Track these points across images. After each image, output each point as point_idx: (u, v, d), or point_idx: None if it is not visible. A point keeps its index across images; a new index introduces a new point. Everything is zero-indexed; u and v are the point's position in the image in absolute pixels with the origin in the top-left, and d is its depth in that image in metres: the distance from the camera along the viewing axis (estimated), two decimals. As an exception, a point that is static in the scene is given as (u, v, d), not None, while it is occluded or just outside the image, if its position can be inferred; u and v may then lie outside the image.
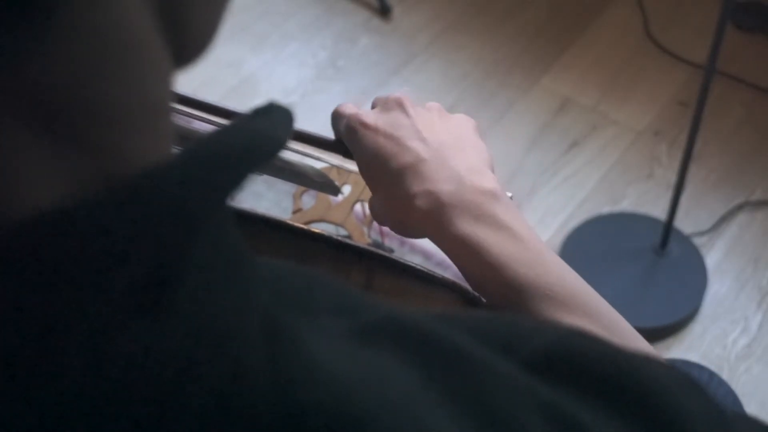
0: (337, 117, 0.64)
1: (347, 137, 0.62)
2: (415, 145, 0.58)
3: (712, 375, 0.99)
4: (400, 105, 0.61)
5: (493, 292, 0.56)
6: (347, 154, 0.67)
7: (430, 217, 0.56)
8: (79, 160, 0.23)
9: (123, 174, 0.24)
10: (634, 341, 0.54)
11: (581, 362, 0.30)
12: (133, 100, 0.24)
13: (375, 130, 0.59)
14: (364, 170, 0.61)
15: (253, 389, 0.24)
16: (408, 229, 0.59)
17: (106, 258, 0.22)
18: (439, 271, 0.60)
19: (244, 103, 1.92)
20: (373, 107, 0.64)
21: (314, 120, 1.87)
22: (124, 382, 0.22)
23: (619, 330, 0.54)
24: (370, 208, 0.62)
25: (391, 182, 0.58)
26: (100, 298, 0.22)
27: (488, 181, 0.57)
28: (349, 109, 0.63)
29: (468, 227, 0.55)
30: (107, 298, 0.22)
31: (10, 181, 0.22)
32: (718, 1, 1.22)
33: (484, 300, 0.59)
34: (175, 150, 0.26)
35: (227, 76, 1.98)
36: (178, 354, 0.23)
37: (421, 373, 0.27)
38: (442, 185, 0.56)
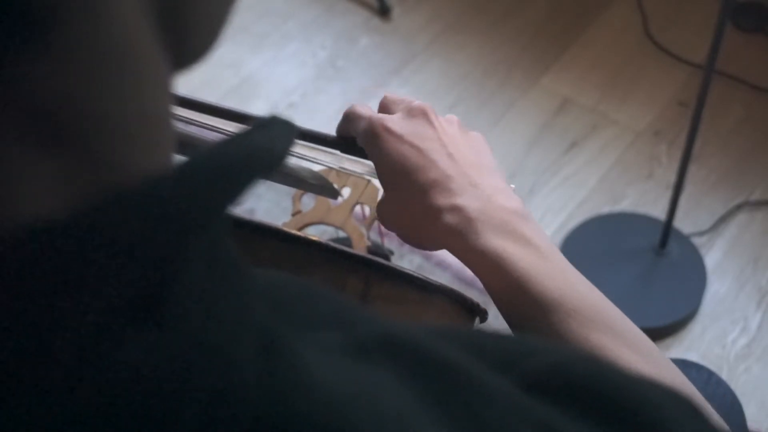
0: (353, 118, 0.63)
1: (367, 140, 0.61)
2: (441, 159, 0.58)
3: (711, 375, 0.98)
4: (424, 114, 0.61)
5: (516, 307, 0.55)
6: (347, 150, 0.67)
7: (456, 232, 0.56)
8: (78, 172, 0.23)
9: (121, 184, 0.24)
10: (657, 358, 0.53)
11: (578, 383, 0.30)
12: (132, 111, 0.24)
13: (400, 137, 0.59)
14: (383, 175, 0.60)
15: (246, 402, 0.24)
16: (424, 240, 0.59)
17: (100, 269, 0.22)
18: (438, 271, 0.60)
19: (244, 103, 1.93)
20: (383, 107, 0.64)
21: (314, 120, 1.87)
22: (115, 392, 0.22)
23: (642, 347, 0.53)
24: (379, 211, 0.62)
25: (415, 194, 0.58)
26: (93, 308, 0.22)
27: (514, 200, 0.58)
28: (368, 110, 0.62)
29: (495, 241, 0.55)
30: (100, 308, 0.22)
31: (7, 192, 0.22)
32: (717, 1, 1.22)
33: (483, 308, 0.59)
34: (176, 158, 0.26)
35: (227, 76, 1.98)
36: (170, 366, 0.23)
37: (416, 390, 0.27)
38: (470, 202, 0.57)
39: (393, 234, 0.63)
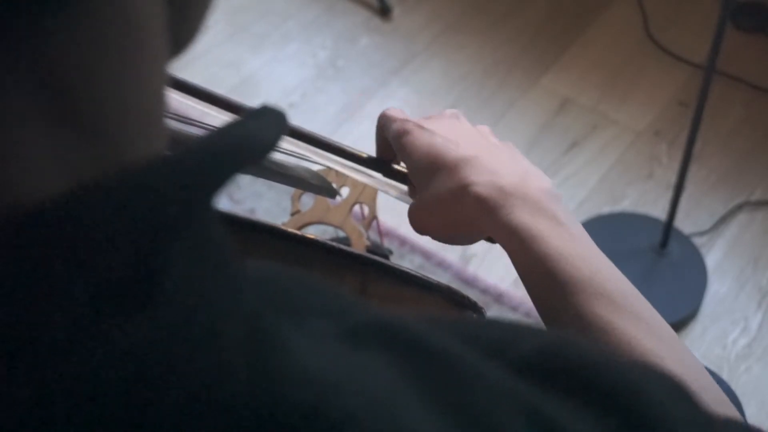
0: (385, 121, 0.64)
1: (398, 139, 0.62)
2: (475, 141, 0.60)
3: (711, 375, 0.98)
4: (455, 115, 0.63)
5: (543, 287, 0.55)
6: (388, 174, 0.67)
7: (487, 204, 0.56)
8: (79, 148, 0.23)
9: (117, 166, 0.24)
10: (678, 347, 0.54)
11: (567, 367, 0.30)
12: (137, 88, 0.25)
13: (431, 131, 0.60)
14: (415, 172, 0.61)
15: (234, 388, 0.24)
16: (452, 226, 0.59)
17: (87, 251, 0.22)
18: (439, 271, 0.60)
19: (244, 103, 1.92)
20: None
21: (314, 120, 1.87)
22: (103, 374, 0.22)
23: (665, 335, 0.53)
24: (410, 216, 0.62)
25: (445, 175, 0.58)
26: (80, 291, 0.22)
27: (547, 181, 0.59)
28: (401, 114, 0.63)
29: (527, 218, 0.55)
30: (88, 292, 0.22)
31: (4, 168, 0.22)
32: (717, 1, 1.22)
33: (480, 306, 0.60)
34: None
35: (227, 76, 1.98)
36: (159, 349, 0.23)
37: (406, 374, 0.27)
38: (505, 177, 0.57)
39: (392, 234, 0.63)
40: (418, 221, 0.61)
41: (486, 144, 0.60)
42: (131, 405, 0.23)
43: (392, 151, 0.64)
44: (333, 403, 0.25)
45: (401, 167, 0.67)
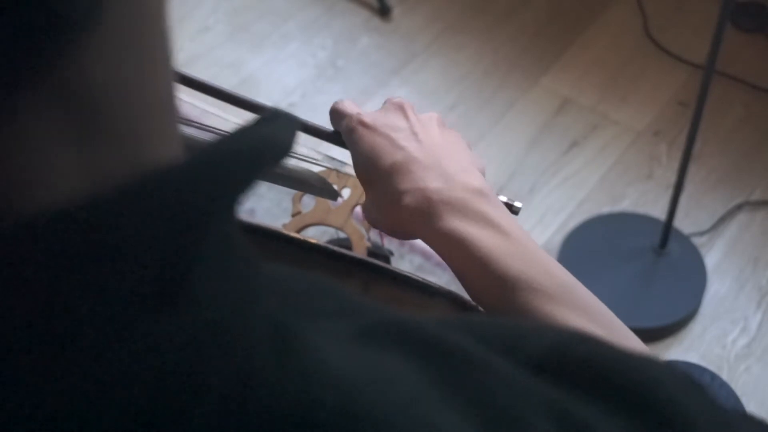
0: (336, 115, 0.65)
1: (346, 136, 0.63)
2: (409, 145, 0.59)
3: (713, 377, 0.99)
4: (400, 108, 0.63)
5: (482, 288, 0.56)
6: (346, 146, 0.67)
7: (419, 214, 0.57)
8: (104, 154, 0.24)
9: (140, 169, 0.24)
10: (625, 336, 0.54)
11: (582, 363, 0.30)
12: (153, 89, 0.25)
13: (373, 129, 0.61)
14: (359, 170, 0.62)
15: (263, 389, 0.24)
16: (398, 229, 0.60)
17: (116, 254, 0.22)
18: (439, 271, 0.60)
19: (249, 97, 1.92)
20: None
21: (314, 120, 1.87)
22: (134, 375, 0.23)
23: (608, 323, 0.54)
24: (364, 211, 0.63)
25: (382, 180, 0.59)
26: (109, 293, 0.22)
27: (476, 179, 0.58)
28: (349, 107, 0.64)
29: (456, 223, 0.56)
30: (116, 293, 0.22)
31: (32, 175, 0.22)
32: (717, 1, 1.22)
33: (480, 309, 0.60)
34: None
35: (227, 76, 1.98)
36: (188, 350, 0.23)
37: (426, 374, 0.27)
38: (431, 183, 0.57)
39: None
40: (368, 217, 0.62)
41: (424, 140, 0.60)
42: (161, 405, 0.23)
43: None
44: (361, 404, 0.25)
45: None
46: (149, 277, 0.23)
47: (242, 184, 0.26)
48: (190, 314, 0.24)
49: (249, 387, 0.24)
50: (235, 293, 0.25)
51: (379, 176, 0.59)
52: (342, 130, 0.63)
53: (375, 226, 0.62)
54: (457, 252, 0.56)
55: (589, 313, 0.54)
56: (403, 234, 0.60)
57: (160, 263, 0.23)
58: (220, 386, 0.24)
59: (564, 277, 0.55)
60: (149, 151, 0.25)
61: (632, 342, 0.54)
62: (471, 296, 0.58)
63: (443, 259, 0.57)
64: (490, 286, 0.55)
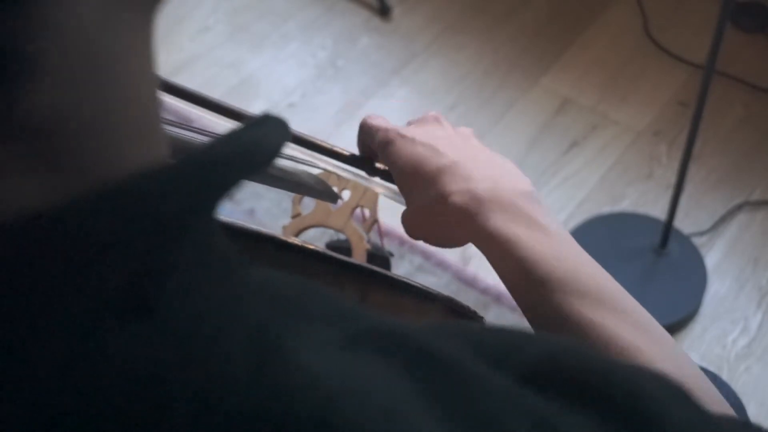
0: (368, 131, 0.65)
1: (383, 149, 0.63)
2: (450, 151, 0.60)
3: (714, 378, 0.99)
4: (436, 119, 0.64)
5: (524, 289, 0.56)
6: (372, 171, 0.67)
7: (466, 214, 0.57)
8: (67, 178, 0.23)
9: (112, 180, 0.24)
10: (665, 341, 0.54)
11: (570, 373, 0.30)
12: (123, 100, 0.25)
13: (413, 140, 0.61)
14: (400, 180, 0.62)
15: (236, 395, 0.24)
16: (441, 234, 0.60)
17: (90, 261, 0.22)
18: (439, 271, 0.60)
19: (244, 103, 1.92)
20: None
21: (314, 120, 1.87)
22: (105, 385, 0.22)
23: (650, 329, 0.54)
24: (404, 221, 0.63)
25: (427, 185, 0.59)
26: (81, 302, 0.22)
27: (524, 183, 0.59)
28: (381, 121, 0.64)
29: (503, 224, 0.56)
30: (90, 300, 0.22)
31: None
32: (718, 1, 1.22)
33: (480, 315, 0.60)
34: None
35: (227, 76, 1.98)
36: (160, 359, 0.23)
37: (410, 381, 0.27)
38: (479, 183, 0.57)
39: (391, 233, 0.63)
40: (410, 228, 0.62)
41: (465, 148, 0.61)
42: (133, 416, 0.23)
43: (374, 153, 0.65)
44: (341, 411, 0.25)
45: (384, 165, 0.67)
46: (121, 285, 0.23)
47: (221, 189, 0.26)
48: (163, 322, 0.24)
49: (223, 393, 0.24)
50: (213, 299, 0.25)
51: (424, 182, 0.59)
52: (377, 144, 0.63)
53: (415, 236, 0.62)
54: (502, 253, 0.56)
55: (634, 319, 0.53)
56: (446, 239, 0.60)
57: (132, 270, 0.23)
58: (193, 394, 0.23)
59: (609, 282, 0.55)
60: (125, 158, 0.25)
61: (672, 349, 0.54)
62: (513, 296, 0.57)
63: (488, 260, 0.57)
64: (532, 288, 0.55)
